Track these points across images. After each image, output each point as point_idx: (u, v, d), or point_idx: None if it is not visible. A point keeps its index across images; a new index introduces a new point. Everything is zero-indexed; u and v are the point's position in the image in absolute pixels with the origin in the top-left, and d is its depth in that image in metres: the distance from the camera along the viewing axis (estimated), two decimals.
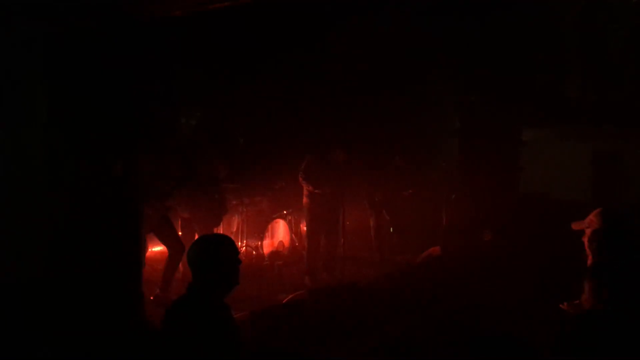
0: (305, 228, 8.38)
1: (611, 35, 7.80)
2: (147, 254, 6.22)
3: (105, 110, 3.81)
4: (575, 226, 3.26)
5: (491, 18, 7.60)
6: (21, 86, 3.62)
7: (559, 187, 8.05)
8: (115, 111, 3.85)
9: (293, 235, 7.73)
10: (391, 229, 7.84)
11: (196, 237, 6.33)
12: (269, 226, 7.34)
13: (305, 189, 6.47)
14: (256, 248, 7.25)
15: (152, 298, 5.32)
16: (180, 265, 5.62)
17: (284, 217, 7.64)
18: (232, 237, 7.47)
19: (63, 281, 3.90)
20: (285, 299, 5.35)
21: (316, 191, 6.33)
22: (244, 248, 7.21)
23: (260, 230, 7.32)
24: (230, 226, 7.57)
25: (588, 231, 3.09)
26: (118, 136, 4.00)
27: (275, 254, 7.28)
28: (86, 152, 3.85)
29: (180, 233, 6.37)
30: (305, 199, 6.57)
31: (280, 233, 7.51)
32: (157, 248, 6.84)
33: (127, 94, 3.84)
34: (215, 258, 2.58)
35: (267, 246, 7.30)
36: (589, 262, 2.97)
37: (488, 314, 5.36)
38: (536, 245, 6.94)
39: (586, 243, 3.07)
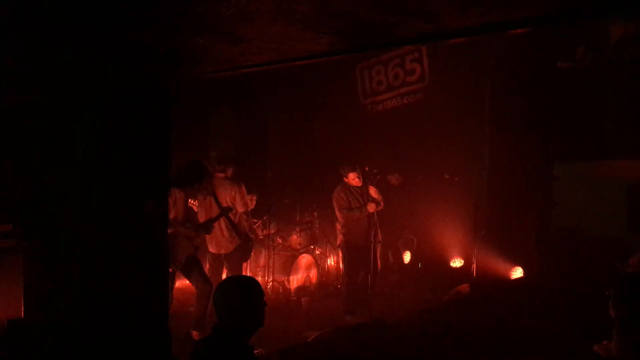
0: (334, 263, 8.39)
1: None
2: (176, 286, 6.28)
3: (138, 152, 3.92)
4: (619, 266, 3.17)
5: (519, 51, 7.61)
6: (62, 133, 3.79)
7: (594, 222, 7.86)
8: (148, 153, 3.96)
9: (320, 271, 7.69)
10: (419, 264, 7.75)
11: (224, 271, 6.43)
12: (296, 261, 7.33)
13: (344, 222, 6.45)
14: (283, 283, 7.23)
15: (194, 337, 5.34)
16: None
17: (311, 252, 7.62)
18: (260, 271, 7.53)
19: (93, 319, 3.96)
20: (312, 336, 5.30)
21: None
22: (271, 283, 7.20)
23: (287, 265, 7.31)
24: (258, 261, 7.59)
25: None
26: (150, 177, 4.09)
27: (302, 289, 7.25)
28: (121, 192, 3.94)
29: (208, 266, 6.42)
30: (340, 237, 6.55)
31: (307, 268, 7.48)
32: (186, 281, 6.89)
33: (160, 139, 3.96)
34: (239, 300, 2.60)
35: (294, 281, 7.27)
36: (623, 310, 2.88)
37: (519, 355, 5.21)
38: (569, 282, 6.76)
39: None
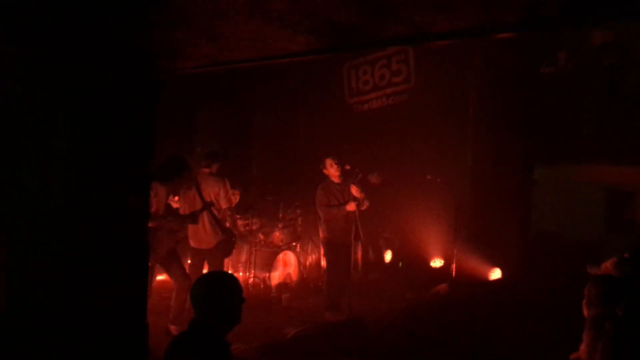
0: (315, 261, 8.42)
1: (627, 73, 7.82)
2: (155, 282, 6.26)
3: (122, 145, 3.90)
4: (591, 270, 3.23)
5: (503, 56, 7.71)
6: (44, 125, 3.76)
7: (572, 226, 7.97)
8: (131, 146, 3.95)
9: (301, 268, 7.72)
10: (400, 263, 7.81)
11: (206, 266, 6.42)
12: (278, 257, 7.34)
13: (323, 219, 6.48)
14: (264, 279, 7.24)
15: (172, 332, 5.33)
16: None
17: (292, 249, 7.65)
18: (241, 267, 7.53)
19: (74, 312, 3.94)
20: (292, 333, 5.32)
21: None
22: (252, 279, 7.21)
23: (268, 261, 7.32)
24: (240, 256, 7.59)
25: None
26: (133, 170, 4.08)
27: (283, 286, 7.27)
28: (103, 186, 3.92)
29: (189, 262, 6.41)
30: (322, 234, 6.60)
31: (288, 265, 7.50)
32: (163, 277, 6.87)
33: (144, 133, 3.95)
34: (217, 296, 2.60)
35: (275, 278, 7.28)
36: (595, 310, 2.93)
37: (496, 356, 5.29)
38: (547, 285, 6.86)
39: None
